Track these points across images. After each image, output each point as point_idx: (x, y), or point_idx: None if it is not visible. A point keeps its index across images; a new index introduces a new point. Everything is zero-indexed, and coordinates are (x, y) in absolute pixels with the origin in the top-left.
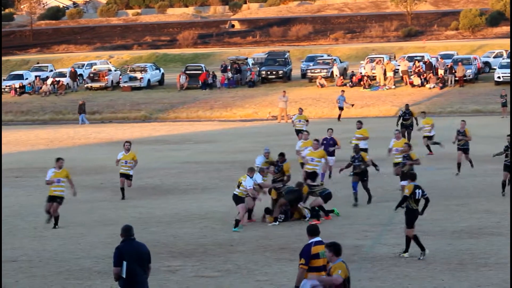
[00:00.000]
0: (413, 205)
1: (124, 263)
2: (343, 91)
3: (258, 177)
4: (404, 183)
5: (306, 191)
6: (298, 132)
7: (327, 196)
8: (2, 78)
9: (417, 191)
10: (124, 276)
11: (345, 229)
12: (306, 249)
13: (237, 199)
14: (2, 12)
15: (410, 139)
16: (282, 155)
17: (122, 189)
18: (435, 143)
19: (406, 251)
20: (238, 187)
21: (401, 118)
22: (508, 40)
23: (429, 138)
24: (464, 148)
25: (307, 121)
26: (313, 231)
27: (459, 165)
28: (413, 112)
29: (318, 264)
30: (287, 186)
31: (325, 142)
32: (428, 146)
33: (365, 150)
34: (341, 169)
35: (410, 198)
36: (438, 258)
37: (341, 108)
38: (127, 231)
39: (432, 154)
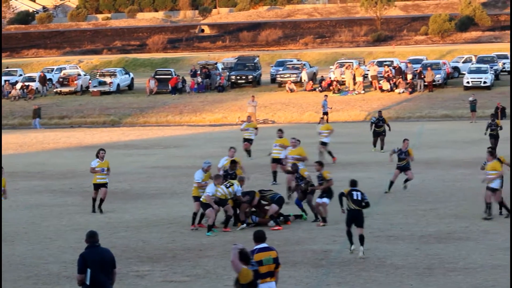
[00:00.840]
0: (351, 205)
1: (88, 270)
2: (326, 95)
3: (211, 188)
4: (320, 200)
5: (258, 195)
6: (245, 140)
7: (278, 201)
8: None
9: (354, 192)
10: (88, 283)
11: (314, 233)
12: None
13: (203, 205)
14: None
15: (383, 146)
16: (233, 162)
17: (94, 200)
18: (329, 153)
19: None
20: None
21: (374, 125)
22: (477, 46)
23: (324, 144)
24: (404, 167)
25: (256, 129)
26: (258, 237)
27: (391, 183)
28: (386, 119)
29: (262, 271)
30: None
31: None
32: (329, 153)
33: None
34: (289, 195)
35: (347, 198)
36: (406, 263)
37: (325, 113)
38: (91, 237)
39: (335, 160)
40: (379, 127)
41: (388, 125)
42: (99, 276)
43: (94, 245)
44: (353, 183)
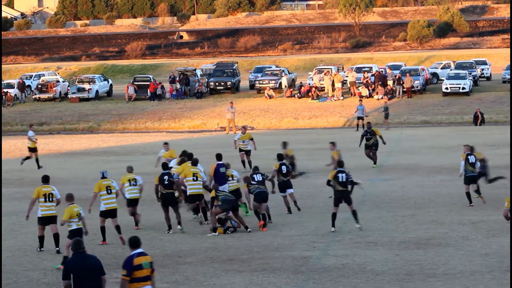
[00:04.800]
0: (337, 187)
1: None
2: (361, 100)
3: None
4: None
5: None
6: (241, 151)
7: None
8: None
9: (339, 175)
10: None
11: (294, 240)
12: (127, 260)
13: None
14: None
15: (376, 161)
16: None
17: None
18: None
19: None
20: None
21: (364, 138)
22: (455, 52)
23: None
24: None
25: (251, 139)
26: (133, 243)
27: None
28: (376, 131)
29: (142, 274)
30: (225, 194)
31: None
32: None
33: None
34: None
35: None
36: (386, 269)
37: (360, 118)
38: (75, 245)
39: None
40: (368, 139)
41: (381, 137)
42: (83, 283)
43: (78, 251)
44: (340, 164)
